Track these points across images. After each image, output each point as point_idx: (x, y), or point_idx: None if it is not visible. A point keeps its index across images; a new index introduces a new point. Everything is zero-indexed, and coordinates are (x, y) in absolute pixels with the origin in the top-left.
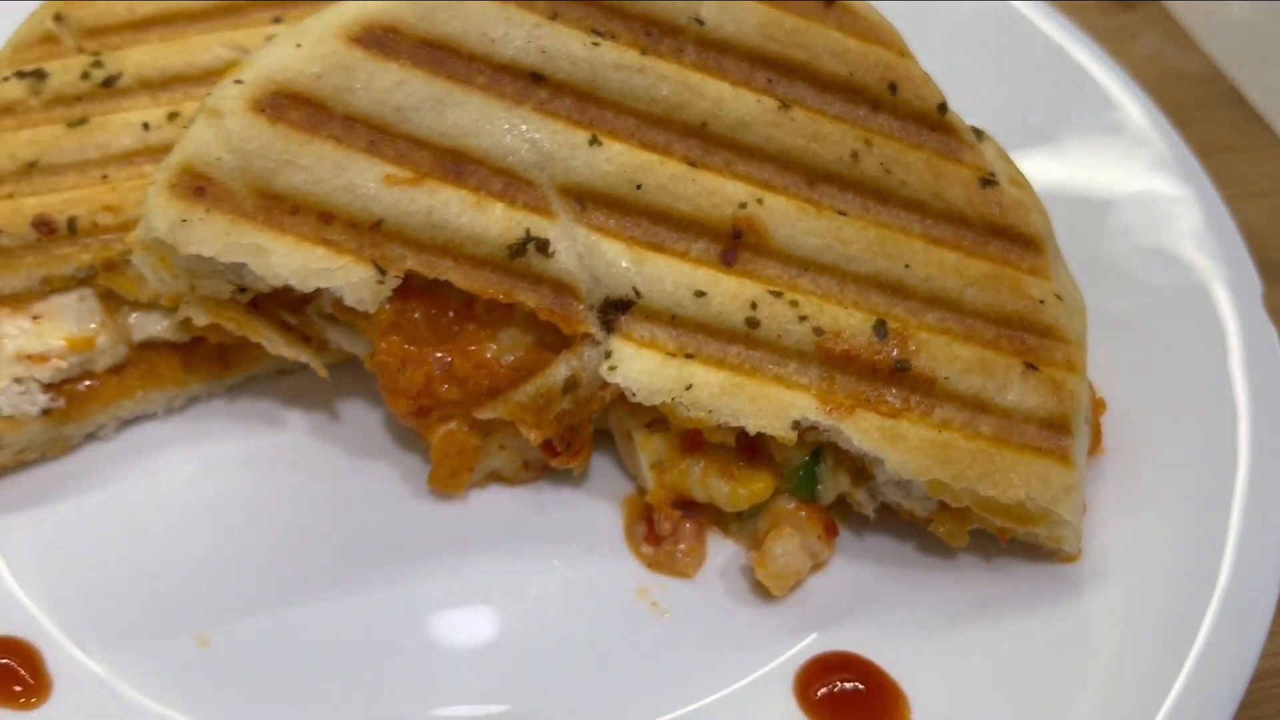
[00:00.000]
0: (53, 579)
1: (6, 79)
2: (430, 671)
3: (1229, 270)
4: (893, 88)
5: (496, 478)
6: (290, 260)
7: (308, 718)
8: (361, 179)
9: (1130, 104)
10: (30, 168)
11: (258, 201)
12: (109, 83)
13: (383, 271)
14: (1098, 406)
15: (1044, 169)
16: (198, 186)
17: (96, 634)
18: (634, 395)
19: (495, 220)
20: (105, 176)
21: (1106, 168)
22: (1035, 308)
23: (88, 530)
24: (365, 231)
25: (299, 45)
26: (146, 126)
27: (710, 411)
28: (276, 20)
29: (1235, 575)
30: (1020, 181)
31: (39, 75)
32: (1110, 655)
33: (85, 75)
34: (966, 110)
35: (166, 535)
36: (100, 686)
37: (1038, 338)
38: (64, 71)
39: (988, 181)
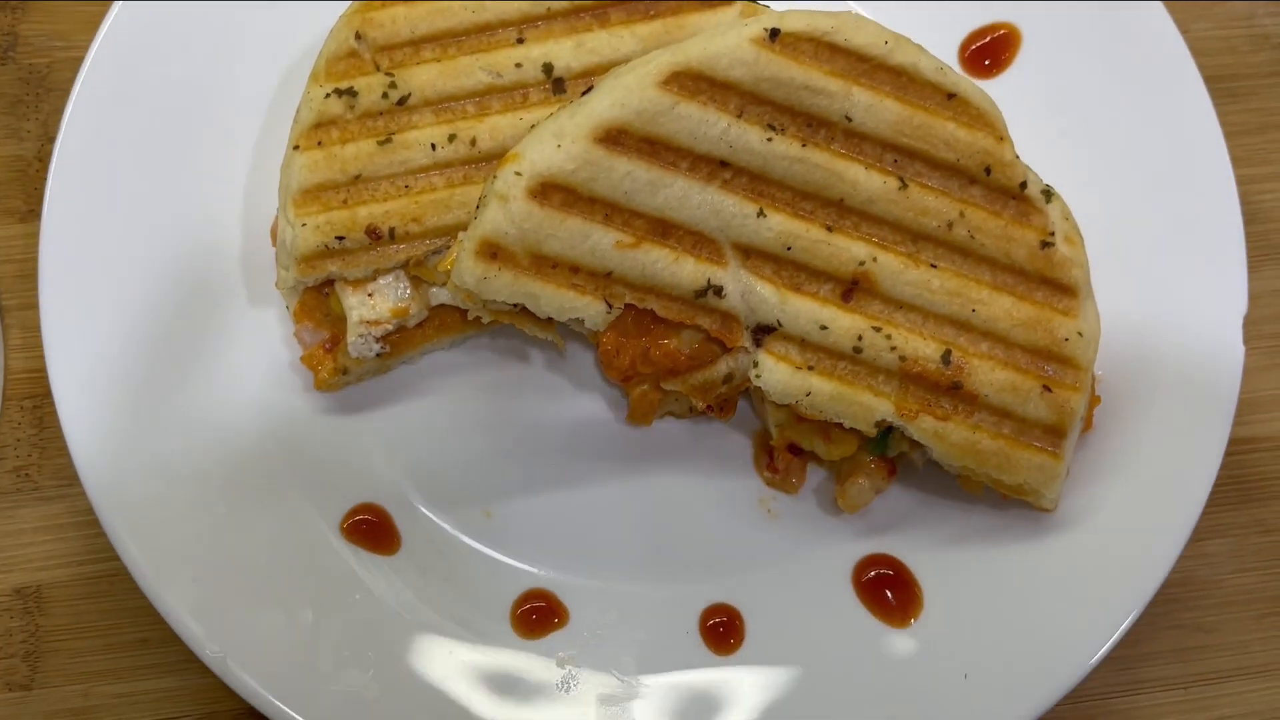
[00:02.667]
0: (391, 460)
1: (328, 95)
2: (619, 537)
3: (1225, 285)
4: (987, 170)
5: (671, 414)
6: (553, 302)
7: (551, 553)
8: (600, 244)
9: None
10: (356, 180)
11: (531, 260)
12: (402, 101)
13: (610, 305)
14: (1095, 400)
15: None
16: (492, 252)
17: (425, 502)
18: (771, 396)
19: (686, 272)
20: (407, 186)
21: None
22: (1061, 344)
23: (408, 427)
24: (600, 278)
25: (559, 146)
26: (434, 146)
27: (821, 411)
28: (520, 41)
29: (1160, 521)
30: (1073, 239)
31: (351, 93)
32: (1070, 574)
33: (385, 95)
34: None
35: (457, 434)
36: (434, 537)
37: (1058, 365)
38: (369, 90)
39: (1046, 244)
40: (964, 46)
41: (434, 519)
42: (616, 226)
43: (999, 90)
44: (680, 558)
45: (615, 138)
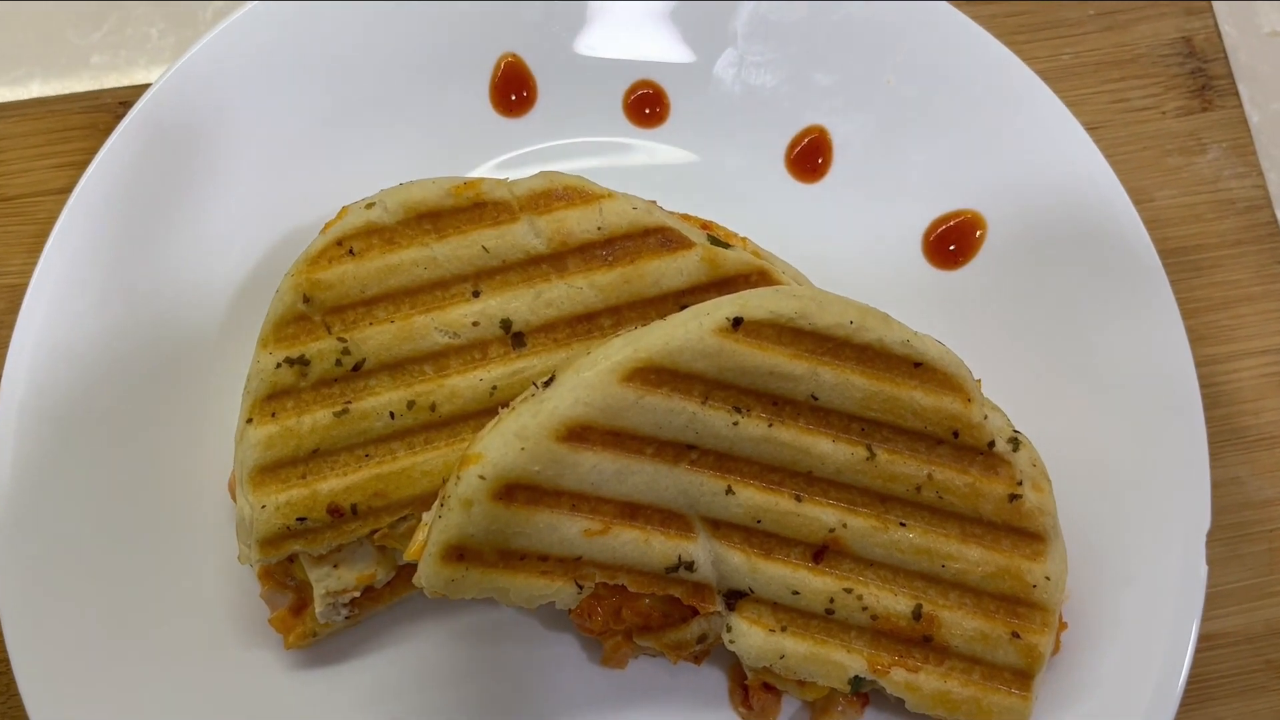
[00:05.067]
0: (367, 714)
1: (279, 365)
2: None
3: (1188, 502)
4: (955, 434)
5: (646, 654)
6: (522, 592)
7: None
8: (568, 534)
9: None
10: (314, 454)
11: (498, 556)
12: (358, 367)
13: (580, 586)
14: (1061, 626)
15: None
16: (459, 554)
17: None
18: (746, 661)
19: (656, 550)
20: (368, 456)
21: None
22: (1029, 590)
23: (381, 681)
24: (569, 564)
25: (523, 448)
26: (393, 415)
27: (795, 673)
28: (475, 294)
29: None
30: (1040, 485)
31: (304, 361)
32: None
33: (339, 362)
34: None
35: (431, 687)
36: None
37: (1026, 609)
38: (321, 358)
39: (1015, 496)
40: (928, 234)
41: None
42: (584, 514)
43: (965, 279)
44: None
45: (579, 434)
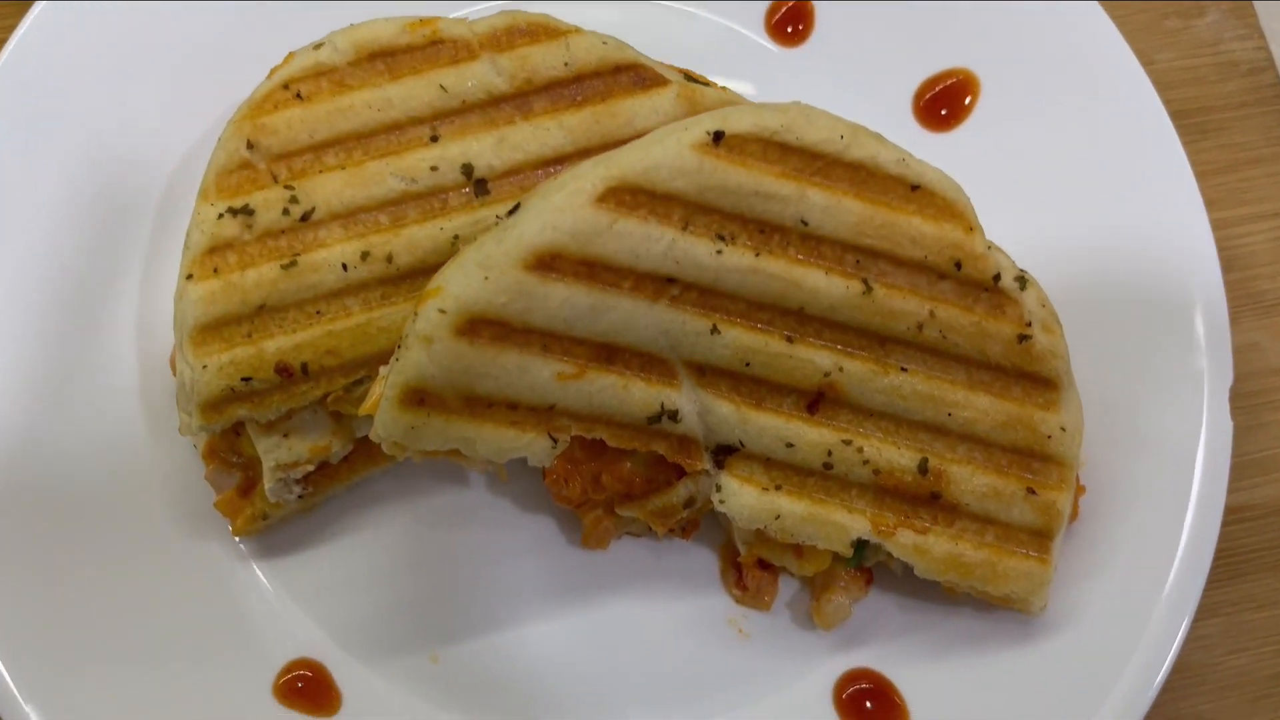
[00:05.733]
0: (324, 608)
1: (221, 215)
2: (581, 672)
3: (1210, 358)
4: (958, 265)
5: (629, 533)
6: (490, 444)
7: (508, 699)
8: (539, 378)
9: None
10: (260, 310)
11: (463, 403)
12: (306, 217)
13: (555, 439)
14: (1079, 490)
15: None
16: (419, 398)
17: (365, 653)
18: (738, 522)
19: (637, 397)
20: (319, 313)
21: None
22: (1044, 441)
23: (341, 569)
24: (542, 413)
25: (486, 278)
26: (346, 267)
27: (792, 535)
28: (434, 139)
29: (1157, 620)
30: (1051, 326)
31: (248, 211)
32: (1062, 678)
33: (286, 211)
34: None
35: (395, 574)
36: (381, 695)
37: (1041, 463)
38: (267, 207)
39: (1024, 337)
40: (918, 96)
41: (375, 672)
42: (557, 356)
43: (958, 143)
44: (650, 689)
45: (549, 263)
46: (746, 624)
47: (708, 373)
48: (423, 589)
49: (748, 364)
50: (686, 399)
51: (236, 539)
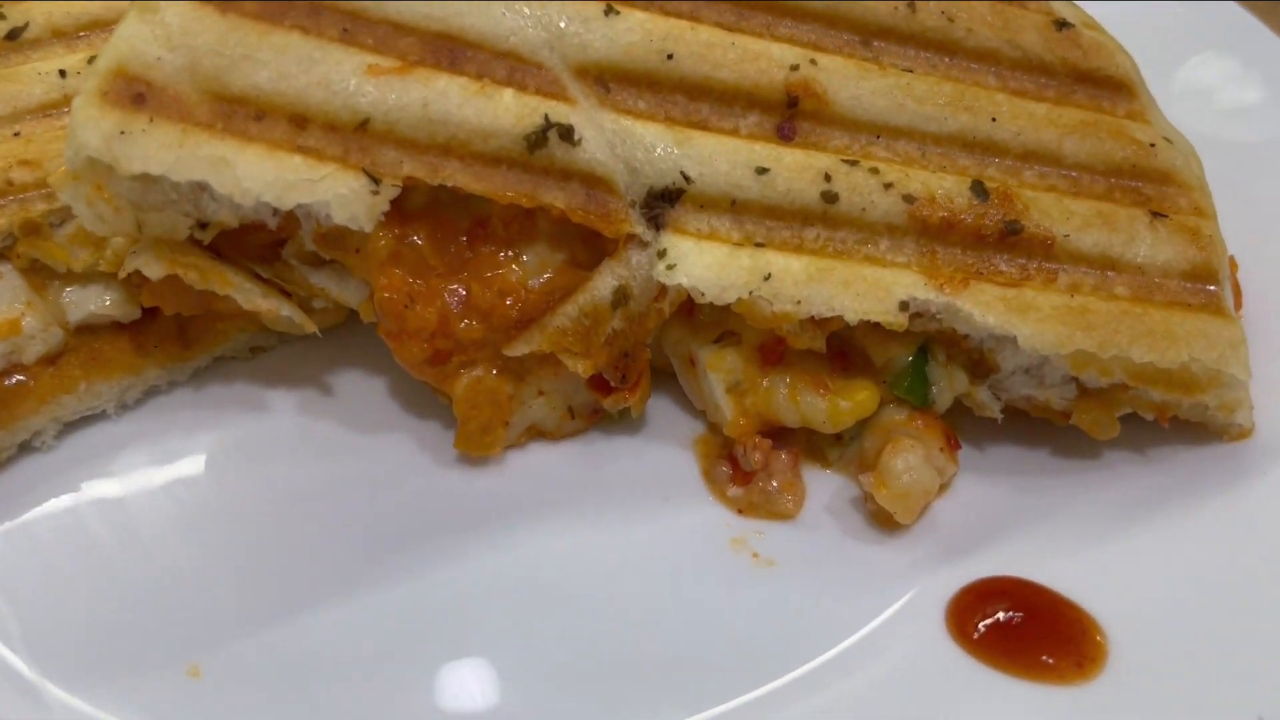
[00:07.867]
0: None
1: None
2: (475, 678)
3: None
4: None
5: (538, 433)
6: (261, 172)
7: None
8: (338, 72)
9: None
10: None
11: (213, 106)
12: (13, 35)
13: (376, 180)
14: (1231, 264)
15: None
16: (137, 93)
17: (73, 671)
18: (703, 295)
19: (505, 108)
20: (18, 133)
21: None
22: (1146, 153)
23: (41, 558)
24: (350, 134)
25: None
26: (63, 74)
27: (799, 302)
28: None
29: None
30: (1094, 25)
31: None
32: None
33: None
34: None
35: (134, 555)
36: None
37: (1156, 185)
38: None
39: (1062, 24)
40: None
41: (85, 704)
42: (368, 47)
43: None
44: (608, 689)
45: None
46: (764, 544)
47: (613, 84)
48: (179, 571)
49: (670, 56)
50: (587, 121)
51: None
